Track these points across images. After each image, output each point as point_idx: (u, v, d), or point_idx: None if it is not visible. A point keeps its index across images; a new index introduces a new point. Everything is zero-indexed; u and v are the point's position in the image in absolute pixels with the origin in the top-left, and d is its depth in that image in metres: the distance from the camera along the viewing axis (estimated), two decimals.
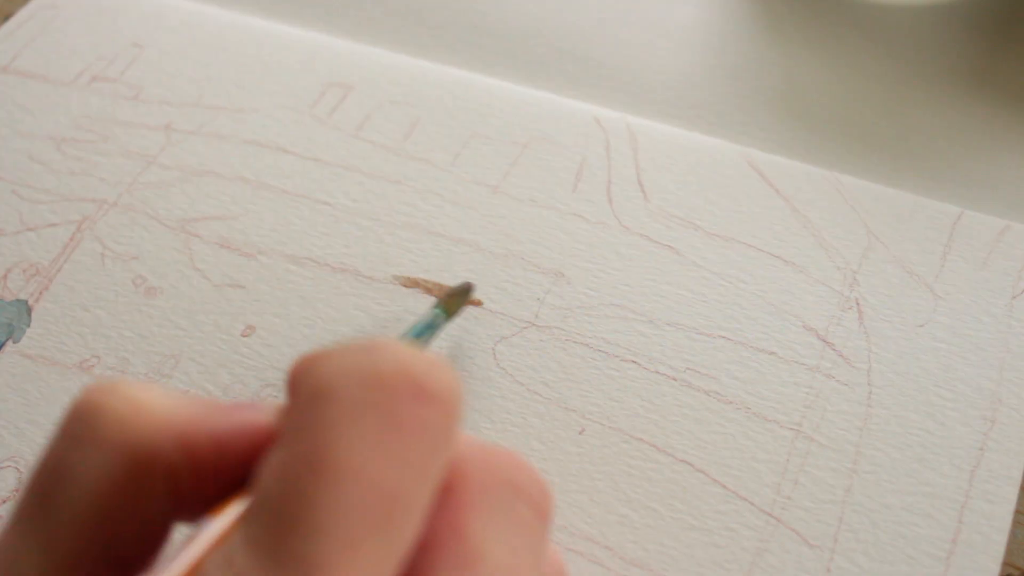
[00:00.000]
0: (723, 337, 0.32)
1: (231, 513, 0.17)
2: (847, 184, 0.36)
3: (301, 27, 0.43)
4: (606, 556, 0.28)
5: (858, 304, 0.33)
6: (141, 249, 0.35)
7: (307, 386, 0.16)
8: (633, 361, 0.32)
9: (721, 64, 0.41)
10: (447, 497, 0.18)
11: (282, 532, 0.15)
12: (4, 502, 0.30)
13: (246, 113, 0.39)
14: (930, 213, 0.35)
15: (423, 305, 0.33)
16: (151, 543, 0.18)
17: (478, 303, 0.33)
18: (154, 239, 0.36)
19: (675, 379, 0.31)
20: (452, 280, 0.34)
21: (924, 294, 0.33)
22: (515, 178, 0.37)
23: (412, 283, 0.34)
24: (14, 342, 0.34)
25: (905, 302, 0.33)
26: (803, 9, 0.42)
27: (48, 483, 0.17)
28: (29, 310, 0.34)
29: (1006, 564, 0.28)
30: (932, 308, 0.33)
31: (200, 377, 0.32)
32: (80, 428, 0.18)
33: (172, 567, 0.16)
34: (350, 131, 0.38)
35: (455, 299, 0.32)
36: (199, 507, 0.18)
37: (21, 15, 0.43)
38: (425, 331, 0.30)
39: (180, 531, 0.18)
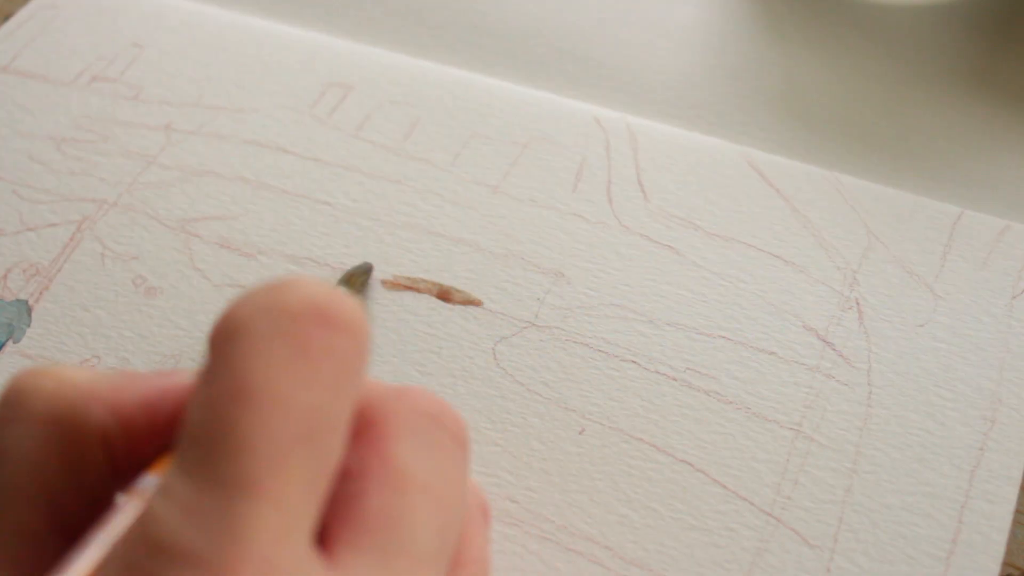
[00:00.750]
0: (723, 337, 0.32)
1: (166, 468, 0.18)
2: (847, 184, 0.36)
3: (301, 27, 0.43)
4: (606, 556, 0.28)
5: (858, 304, 0.33)
6: (141, 249, 0.35)
7: (221, 328, 0.17)
8: (633, 361, 0.32)
9: (721, 64, 0.41)
10: (370, 429, 0.19)
11: (212, 456, 0.16)
12: None
13: (246, 113, 0.39)
14: (930, 213, 0.35)
15: (423, 305, 0.33)
16: (96, 510, 0.18)
17: (478, 303, 0.33)
18: (154, 239, 0.36)
19: (675, 379, 0.31)
20: (451, 280, 0.34)
21: (924, 294, 0.33)
22: (515, 178, 0.37)
23: (395, 285, 0.34)
24: (14, 342, 0.34)
25: (905, 302, 0.33)
26: (803, 9, 0.42)
27: None
28: (29, 310, 0.34)
29: (1006, 564, 0.28)
30: (932, 308, 0.33)
31: None
32: (9, 410, 0.18)
33: (115, 520, 0.17)
34: (350, 131, 0.38)
35: (356, 278, 0.33)
36: (136, 472, 0.19)
37: (21, 15, 0.43)
38: None
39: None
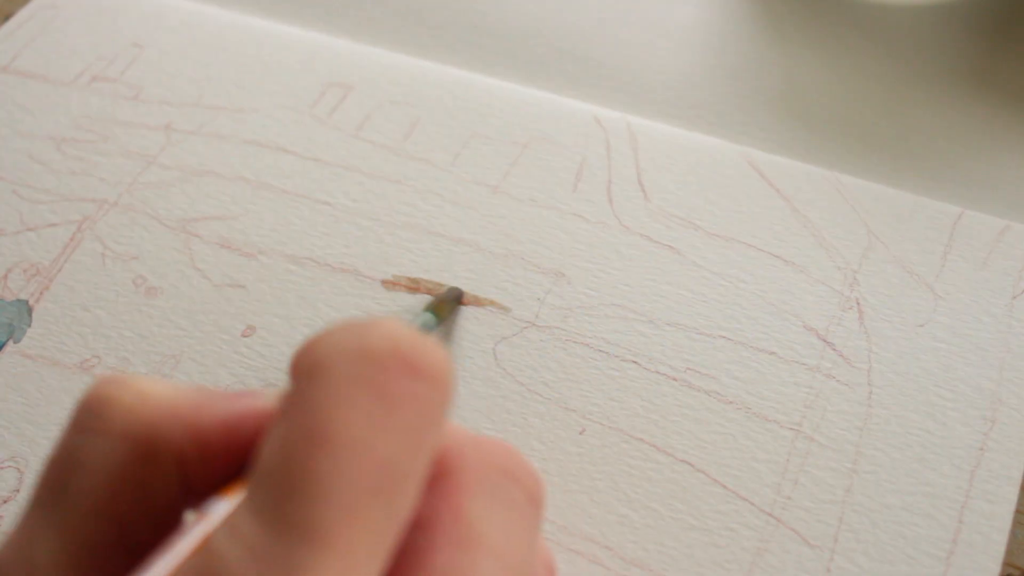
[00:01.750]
0: (723, 337, 0.32)
1: (238, 494, 0.17)
2: (847, 184, 0.36)
3: (301, 27, 0.43)
4: (606, 556, 0.28)
5: (858, 304, 0.33)
6: (141, 249, 0.35)
7: (304, 364, 0.17)
8: (633, 361, 0.32)
9: (721, 64, 0.41)
10: (444, 481, 0.18)
11: (284, 499, 0.15)
12: (5, 502, 0.30)
13: (246, 113, 0.39)
14: (930, 213, 0.35)
15: (422, 305, 0.33)
16: (163, 528, 0.18)
17: (492, 303, 0.33)
18: (154, 239, 0.36)
19: (675, 379, 0.31)
20: (451, 280, 0.34)
21: (924, 294, 0.33)
22: (515, 178, 0.37)
23: (395, 285, 0.34)
24: (15, 342, 0.34)
25: (905, 302, 0.33)
26: (803, 9, 0.42)
27: (60, 472, 0.18)
28: (30, 310, 0.34)
29: (1006, 564, 0.28)
30: (932, 308, 0.33)
31: (200, 377, 0.32)
32: (89, 418, 0.18)
33: (181, 544, 0.16)
34: (350, 131, 0.38)
35: (445, 305, 0.32)
36: (208, 493, 0.18)
37: (21, 15, 0.43)
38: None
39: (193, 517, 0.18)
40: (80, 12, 0.43)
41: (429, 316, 0.31)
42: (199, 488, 0.18)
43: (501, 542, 0.18)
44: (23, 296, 0.35)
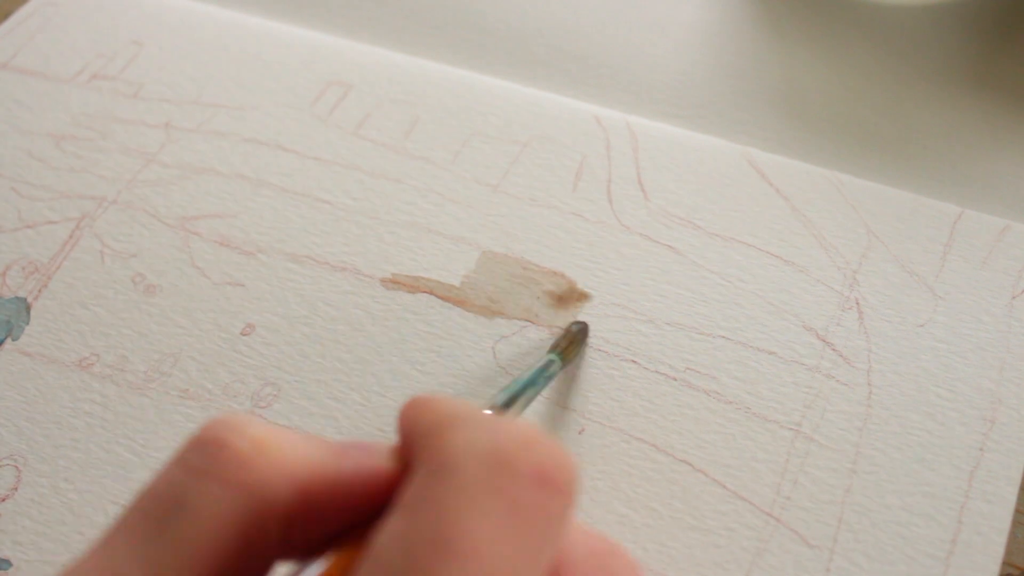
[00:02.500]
0: (723, 337, 0.32)
1: (330, 559, 0.17)
2: (847, 184, 0.36)
3: (301, 26, 0.42)
4: None
5: (858, 304, 0.33)
6: (140, 247, 0.35)
7: (431, 459, 0.17)
8: (633, 361, 0.32)
9: (721, 64, 0.41)
10: None
11: None
12: (3, 500, 0.30)
13: (246, 111, 0.39)
14: (930, 213, 0.35)
15: (423, 304, 0.33)
16: None
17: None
18: (153, 237, 0.36)
19: (675, 379, 0.31)
20: (450, 279, 0.34)
21: (924, 294, 0.33)
22: (515, 177, 0.37)
23: (394, 284, 0.34)
24: (13, 340, 0.33)
25: (905, 302, 0.33)
26: (803, 9, 0.42)
27: (164, 509, 0.18)
28: (28, 307, 0.34)
29: (1006, 564, 0.28)
30: (932, 308, 0.33)
31: (199, 375, 0.32)
32: (202, 461, 0.18)
33: None
34: (350, 129, 0.38)
35: (573, 346, 0.31)
36: (303, 548, 0.18)
37: (21, 12, 0.43)
38: (539, 378, 0.29)
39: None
40: (80, 9, 0.43)
41: (555, 359, 0.30)
42: (296, 541, 0.18)
43: None
44: (21, 294, 0.34)
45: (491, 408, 0.26)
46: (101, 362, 0.33)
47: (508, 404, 0.27)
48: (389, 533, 0.16)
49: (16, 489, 0.30)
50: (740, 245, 0.34)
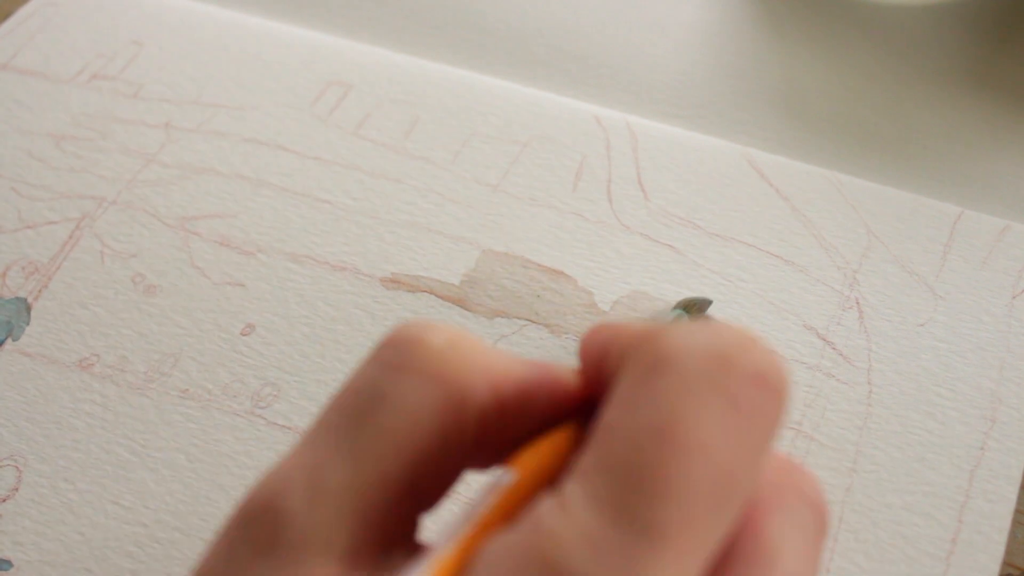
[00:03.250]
0: None
1: (527, 464, 0.17)
2: (847, 184, 0.36)
3: (301, 26, 0.43)
4: None
5: (858, 303, 0.33)
6: (140, 247, 0.35)
7: (646, 358, 0.17)
8: None
9: (721, 64, 0.41)
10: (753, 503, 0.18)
11: (628, 493, 0.15)
12: (3, 500, 0.30)
13: (246, 111, 0.39)
14: (930, 213, 0.35)
15: (422, 303, 0.33)
16: (446, 482, 0.18)
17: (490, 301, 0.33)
18: (153, 237, 0.36)
19: None
20: (449, 278, 0.34)
21: (924, 293, 0.33)
22: (515, 177, 0.37)
23: (395, 283, 0.34)
24: (13, 340, 0.33)
25: (905, 301, 0.33)
26: (803, 9, 0.42)
27: (363, 403, 0.18)
28: (28, 308, 0.34)
29: (1006, 564, 0.28)
30: (932, 307, 0.33)
31: (199, 375, 0.32)
32: (399, 357, 0.18)
33: (478, 510, 0.16)
34: (350, 129, 0.38)
35: (694, 310, 0.32)
36: (491, 456, 0.18)
37: (21, 12, 0.43)
38: None
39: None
40: (80, 10, 0.43)
41: (682, 314, 0.31)
42: (486, 449, 0.18)
43: (793, 567, 0.18)
44: (21, 294, 0.34)
45: None
46: (101, 362, 0.33)
47: None
48: (609, 427, 0.16)
49: (16, 489, 0.30)
50: (740, 245, 0.34)
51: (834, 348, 0.32)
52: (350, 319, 0.33)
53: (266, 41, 0.41)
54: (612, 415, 0.16)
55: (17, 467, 0.31)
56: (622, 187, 0.36)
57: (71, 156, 0.38)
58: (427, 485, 0.18)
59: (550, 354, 0.32)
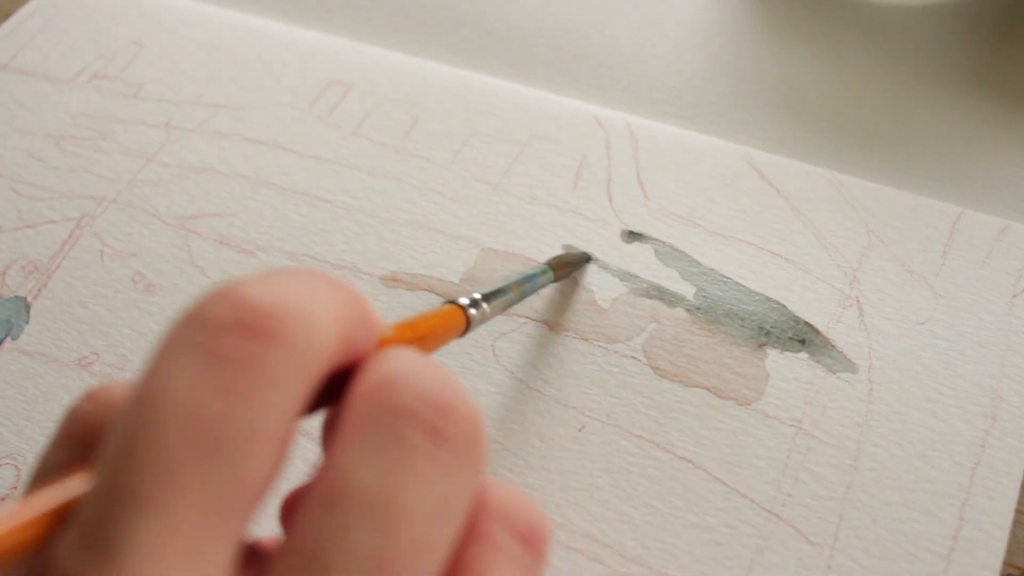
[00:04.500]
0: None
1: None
2: (847, 184, 0.36)
3: (301, 26, 0.43)
4: (606, 554, 0.28)
5: (858, 301, 0.33)
6: (140, 246, 0.35)
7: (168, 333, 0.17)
8: (633, 357, 0.32)
9: (721, 64, 0.41)
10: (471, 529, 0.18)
11: (110, 462, 0.15)
12: (3, 500, 0.30)
13: (246, 111, 0.39)
14: (930, 213, 0.35)
15: (421, 302, 0.33)
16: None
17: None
18: (153, 236, 0.36)
19: (676, 376, 0.31)
20: (449, 277, 0.34)
21: (924, 292, 0.33)
22: (515, 176, 0.37)
23: (394, 281, 0.34)
24: (12, 339, 0.33)
25: (905, 300, 0.33)
26: (803, 9, 0.42)
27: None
28: (28, 307, 0.34)
29: (1006, 564, 0.28)
30: (932, 306, 0.33)
31: None
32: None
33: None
34: (350, 129, 0.38)
35: (568, 267, 0.33)
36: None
37: (22, 12, 0.43)
38: (526, 283, 0.30)
39: None
40: (80, 10, 0.43)
41: (547, 271, 0.31)
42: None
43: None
44: (21, 293, 0.34)
45: (469, 299, 0.26)
46: (101, 361, 0.33)
47: (488, 298, 0.27)
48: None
49: (16, 488, 0.30)
50: (740, 243, 0.34)
51: (834, 346, 0.32)
52: None
53: (266, 41, 0.41)
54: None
55: (16, 466, 0.31)
56: (622, 186, 0.36)
57: (71, 156, 0.38)
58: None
59: (552, 353, 0.32)
